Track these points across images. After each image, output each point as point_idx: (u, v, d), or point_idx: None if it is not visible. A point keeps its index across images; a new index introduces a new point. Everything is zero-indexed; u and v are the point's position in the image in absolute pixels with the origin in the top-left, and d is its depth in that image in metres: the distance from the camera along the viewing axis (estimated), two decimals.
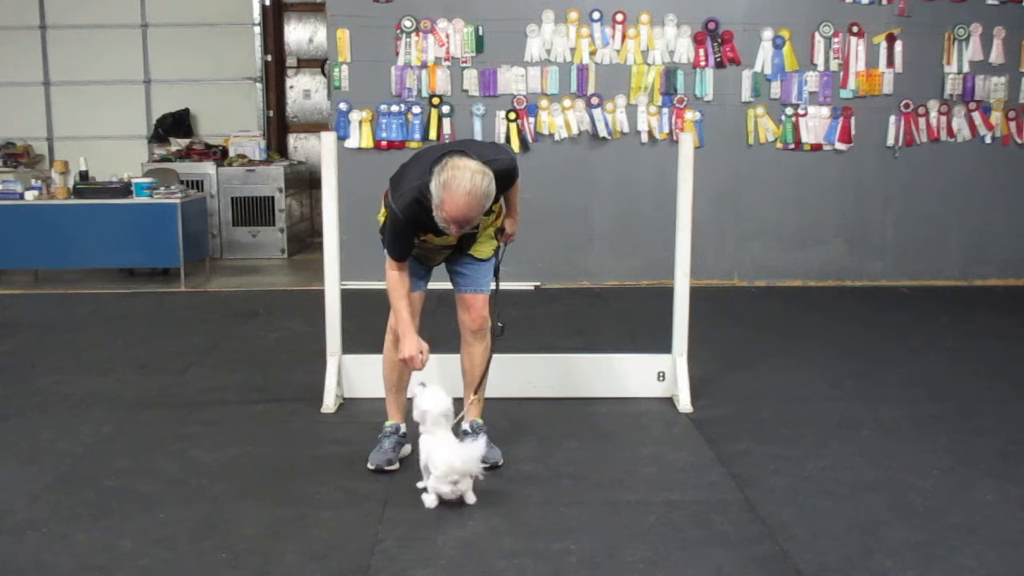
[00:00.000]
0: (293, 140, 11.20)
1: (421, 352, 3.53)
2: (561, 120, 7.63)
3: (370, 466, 3.68)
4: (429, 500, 3.35)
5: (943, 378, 5.06)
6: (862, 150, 7.79)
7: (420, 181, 3.38)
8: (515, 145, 7.55)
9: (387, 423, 3.84)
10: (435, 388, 3.49)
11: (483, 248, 3.77)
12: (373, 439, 3.81)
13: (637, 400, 4.58)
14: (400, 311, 3.59)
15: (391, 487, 3.54)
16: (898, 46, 7.66)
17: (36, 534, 3.17)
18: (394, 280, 3.60)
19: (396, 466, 3.71)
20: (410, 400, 3.83)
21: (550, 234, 7.61)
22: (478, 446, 3.34)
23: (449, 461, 3.29)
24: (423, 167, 3.41)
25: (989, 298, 7.43)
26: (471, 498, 3.36)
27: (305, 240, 10.25)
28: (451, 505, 3.35)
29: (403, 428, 3.83)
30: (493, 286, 3.82)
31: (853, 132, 7.75)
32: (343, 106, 7.60)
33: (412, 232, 3.53)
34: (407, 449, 3.83)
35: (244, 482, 3.61)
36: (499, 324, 3.80)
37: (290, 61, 11.04)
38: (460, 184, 3.23)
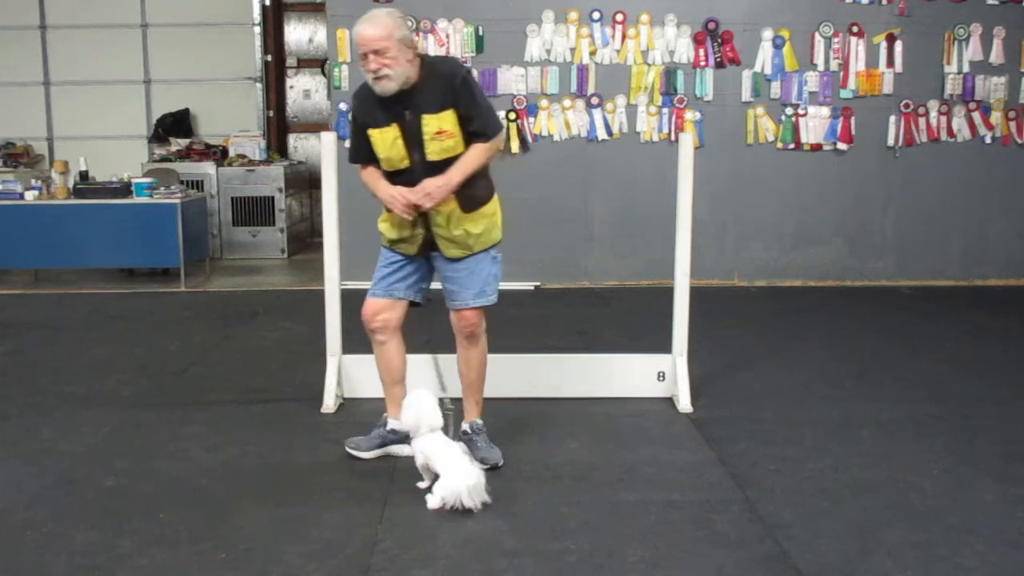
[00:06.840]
0: (293, 140, 11.19)
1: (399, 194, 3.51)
2: (561, 120, 7.63)
3: (346, 447, 3.82)
4: (431, 500, 3.35)
5: (943, 378, 5.06)
6: (862, 150, 7.79)
7: None
8: (515, 145, 7.55)
9: (387, 417, 3.88)
10: (428, 398, 3.46)
11: (451, 251, 3.64)
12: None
13: (637, 400, 4.58)
14: (374, 180, 3.63)
15: (391, 487, 3.54)
16: (898, 46, 7.65)
17: (36, 534, 3.17)
18: (367, 174, 3.67)
19: (365, 455, 3.80)
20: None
21: (550, 234, 7.62)
22: (480, 476, 3.34)
23: (457, 490, 3.27)
24: None
25: (989, 298, 7.42)
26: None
27: (305, 240, 10.24)
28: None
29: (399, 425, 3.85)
30: (493, 298, 3.74)
31: (853, 132, 7.75)
32: (343, 106, 7.59)
33: (363, 124, 3.58)
34: (407, 449, 3.82)
35: (244, 482, 3.62)
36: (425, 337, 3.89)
37: (290, 61, 11.04)
38: (363, 17, 3.46)
